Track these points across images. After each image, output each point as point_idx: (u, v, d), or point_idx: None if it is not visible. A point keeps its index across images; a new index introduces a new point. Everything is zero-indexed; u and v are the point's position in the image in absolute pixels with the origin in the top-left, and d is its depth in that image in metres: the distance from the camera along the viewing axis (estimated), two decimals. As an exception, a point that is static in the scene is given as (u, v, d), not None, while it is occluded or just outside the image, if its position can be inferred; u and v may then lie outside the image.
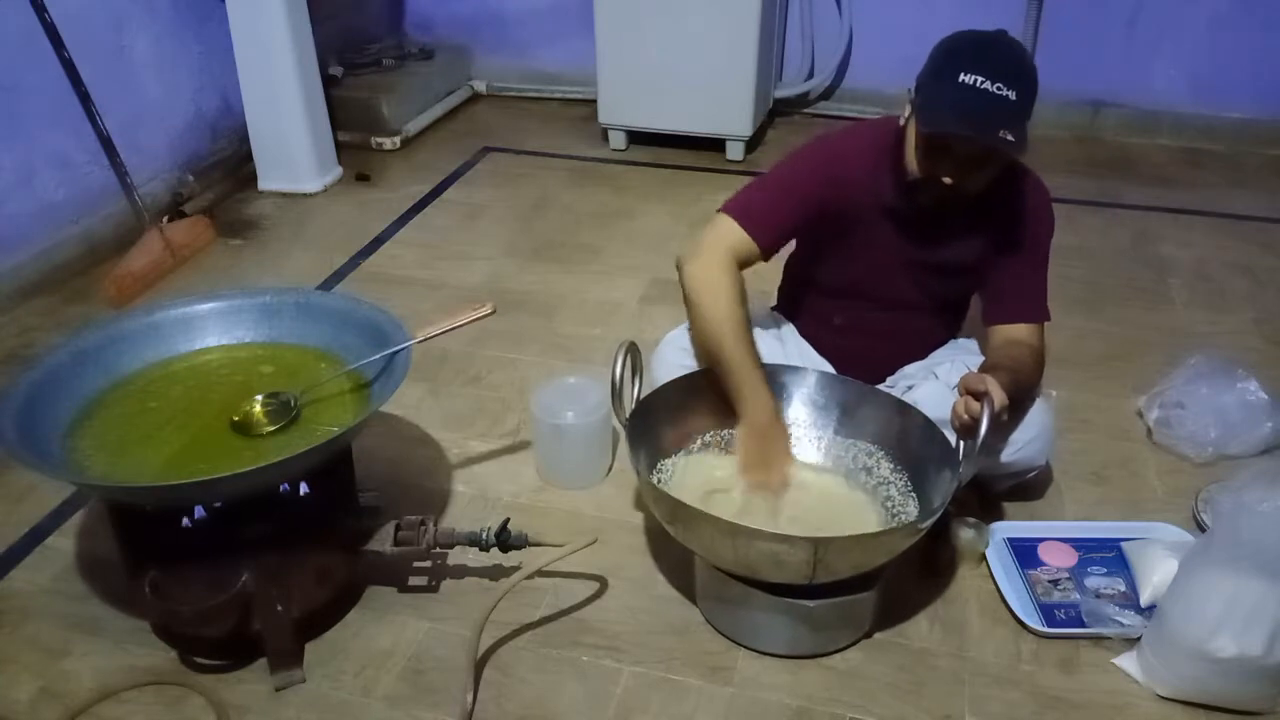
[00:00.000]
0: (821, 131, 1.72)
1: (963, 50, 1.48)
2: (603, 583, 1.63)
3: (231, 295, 1.65)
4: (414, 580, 1.63)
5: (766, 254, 1.64)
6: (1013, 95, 1.42)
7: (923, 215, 1.61)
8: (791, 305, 1.87)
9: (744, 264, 1.62)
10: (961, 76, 1.43)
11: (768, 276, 1.94)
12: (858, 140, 1.65)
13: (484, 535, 1.51)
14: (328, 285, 2.55)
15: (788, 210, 1.62)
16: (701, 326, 1.61)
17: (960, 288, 1.77)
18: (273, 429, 1.46)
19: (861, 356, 1.77)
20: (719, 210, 1.64)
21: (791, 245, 1.81)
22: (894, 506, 1.59)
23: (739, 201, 1.64)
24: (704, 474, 1.63)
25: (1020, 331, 1.65)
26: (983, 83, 1.42)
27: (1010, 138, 1.42)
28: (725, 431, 1.70)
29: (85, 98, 2.54)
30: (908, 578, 1.59)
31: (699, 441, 1.69)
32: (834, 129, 1.71)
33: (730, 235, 1.61)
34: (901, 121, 1.57)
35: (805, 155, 1.67)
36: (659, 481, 1.58)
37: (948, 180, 1.50)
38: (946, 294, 1.76)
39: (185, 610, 1.37)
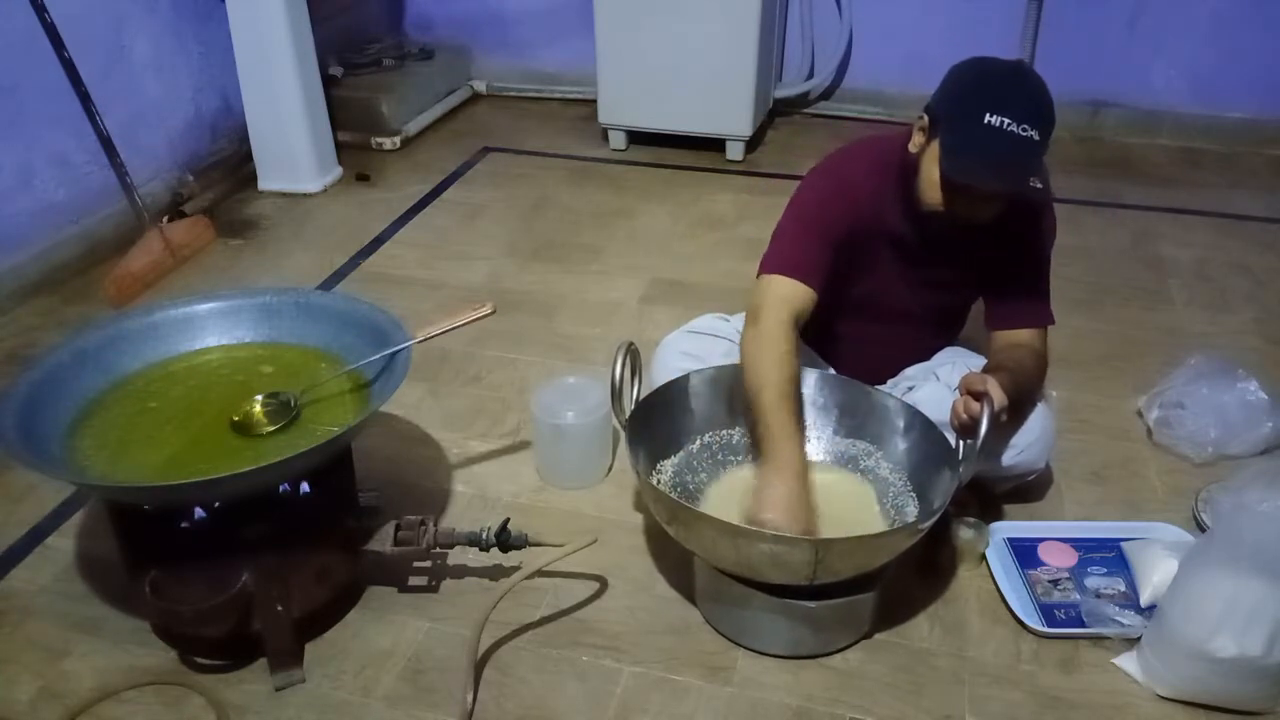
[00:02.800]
0: (823, 139, 1.70)
1: (986, 86, 1.45)
2: (603, 583, 1.63)
3: (231, 295, 1.65)
4: (414, 580, 1.63)
5: (820, 295, 1.59)
6: (1036, 136, 1.41)
7: (927, 238, 1.61)
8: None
9: (804, 317, 1.57)
10: (988, 118, 1.40)
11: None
12: (863, 164, 1.63)
13: (484, 535, 1.51)
14: (328, 285, 2.55)
15: (821, 245, 1.58)
16: (748, 383, 1.54)
17: (962, 298, 1.77)
18: (273, 429, 1.46)
19: (862, 362, 1.77)
20: (760, 273, 1.60)
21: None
22: (893, 507, 1.60)
23: (775, 257, 1.59)
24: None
25: (1023, 335, 1.66)
26: (1009, 125, 1.40)
27: (1038, 184, 1.42)
28: (725, 431, 1.70)
29: (85, 98, 2.54)
30: (908, 578, 1.59)
31: (699, 442, 1.69)
32: (830, 155, 1.68)
33: (784, 291, 1.55)
34: (913, 150, 1.54)
35: (815, 187, 1.64)
36: (658, 482, 1.58)
37: (963, 214, 1.50)
38: (947, 305, 1.77)
39: (185, 610, 1.37)
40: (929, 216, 1.54)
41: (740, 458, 1.69)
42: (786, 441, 1.47)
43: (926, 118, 1.52)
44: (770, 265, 1.59)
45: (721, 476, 1.66)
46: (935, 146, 1.49)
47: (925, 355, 1.80)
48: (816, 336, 1.81)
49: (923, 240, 1.61)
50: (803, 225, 1.61)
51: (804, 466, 1.49)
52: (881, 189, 1.60)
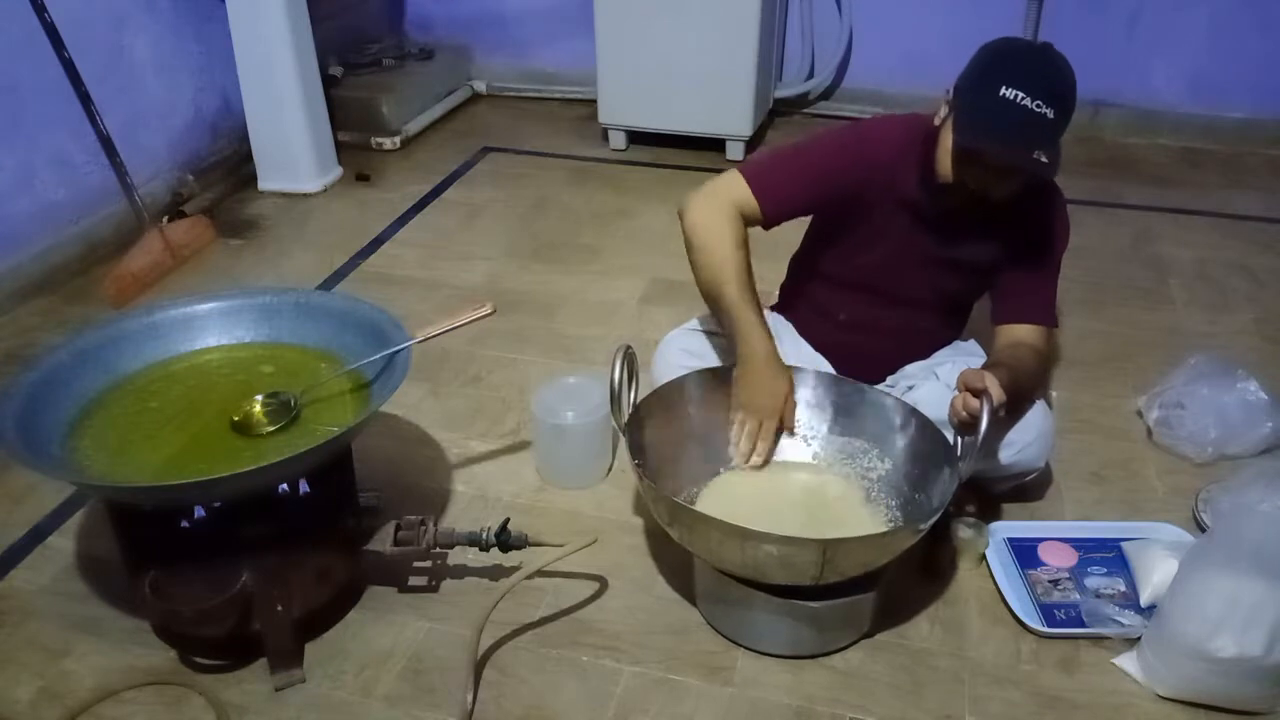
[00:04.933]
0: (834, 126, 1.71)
1: (1007, 62, 1.47)
2: (603, 583, 1.62)
3: (231, 295, 1.65)
4: (414, 580, 1.63)
5: (768, 222, 1.63)
6: (1051, 114, 1.42)
7: (943, 213, 1.61)
8: (795, 300, 1.87)
9: (747, 222, 1.62)
10: (1003, 90, 1.42)
11: (769, 278, 1.94)
12: (889, 129, 1.65)
13: (484, 535, 1.51)
14: (328, 285, 2.55)
15: (802, 183, 1.62)
16: (702, 268, 1.61)
17: (971, 287, 1.77)
18: (273, 429, 1.46)
19: (864, 354, 1.77)
20: (735, 168, 1.64)
21: (798, 239, 1.81)
22: (892, 506, 1.60)
23: (755, 164, 1.64)
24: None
25: (1026, 333, 1.66)
26: (1022, 99, 1.41)
27: (1044, 158, 1.42)
28: (723, 432, 1.69)
29: (85, 98, 2.54)
30: (908, 578, 1.59)
31: (699, 443, 1.68)
32: (866, 119, 1.69)
33: (736, 190, 1.60)
34: (936, 122, 1.56)
35: (833, 135, 1.66)
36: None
37: (975, 188, 1.51)
38: (956, 293, 1.76)
39: (185, 610, 1.37)
40: (944, 189, 1.55)
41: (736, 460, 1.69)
42: (751, 321, 1.58)
43: (951, 92, 1.53)
44: (743, 167, 1.63)
45: (716, 480, 1.66)
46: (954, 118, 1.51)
47: (927, 350, 1.80)
48: (822, 323, 1.81)
49: (939, 213, 1.61)
50: (798, 159, 1.65)
51: (771, 340, 1.60)
52: (906, 156, 1.60)
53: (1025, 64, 1.46)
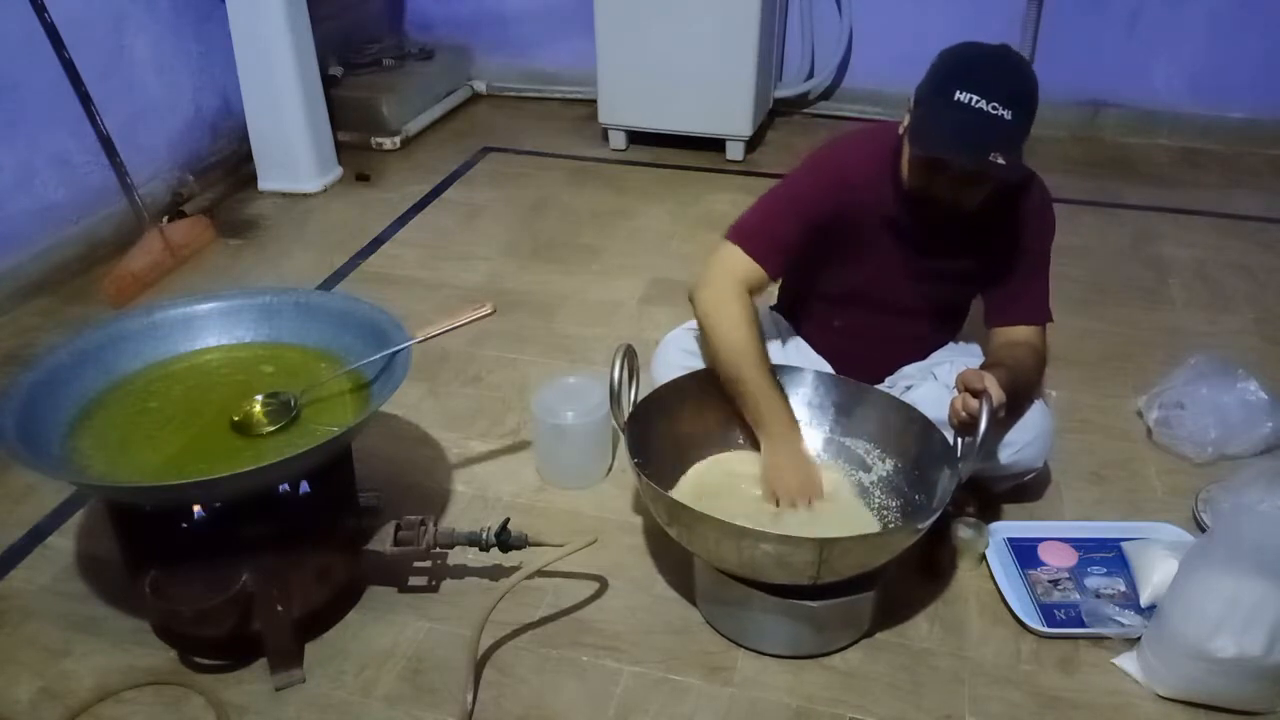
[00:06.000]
0: (823, 139, 1.71)
1: (962, 66, 1.46)
2: (603, 583, 1.63)
3: (231, 295, 1.65)
4: (414, 580, 1.63)
5: (775, 277, 1.63)
6: (1008, 115, 1.40)
7: (923, 224, 1.61)
8: (791, 307, 1.87)
9: (754, 290, 1.61)
10: (958, 95, 1.41)
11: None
12: (860, 149, 1.64)
13: (484, 535, 1.52)
14: (328, 285, 2.55)
15: (792, 231, 1.61)
16: (718, 354, 1.60)
17: (961, 292, 1.77)
18: (273, 429, 1.46)
19: (861, 358, 1.77)
20: (725, 236, 1.64)
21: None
22: (892, 506, 1.60)
23: (743, 227, 1.63)
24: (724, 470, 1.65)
25: (1022, 333, 1.66)
26: (978, 102, 1.40)
27: (1001, 160, 1.40)
28: (722, 433, 1.70)
29: (85, 98, 2.54)
30: (908, 578, 1.59)
31: (698, 443, 1.69)
32: (834, 138, 1.69)
33: (737, 264, 1.60)
34: (900, 131, 1.56)
35: (807, 171, 1.66)
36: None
37: (942, 196, 1.50)
38: (947, 299, 1.76)
39: (185, 610, 1.37)
40: (918, 200, 1.55)
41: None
42: (775, 405, 1.60)
43: (913, 101, 1.52)
44: (734, 234, 1.63)
45: (695, 464, 1.67)
46: None
47: (924, 352, 1.80)
48: (818, 330, 1.81)
49: (919, 226, 1.61)
50: (781, 203, 1.64)
51: (795, 423, 1.63)
52: (879, 173, 1.60)
53: (981, 67, 1.44)
